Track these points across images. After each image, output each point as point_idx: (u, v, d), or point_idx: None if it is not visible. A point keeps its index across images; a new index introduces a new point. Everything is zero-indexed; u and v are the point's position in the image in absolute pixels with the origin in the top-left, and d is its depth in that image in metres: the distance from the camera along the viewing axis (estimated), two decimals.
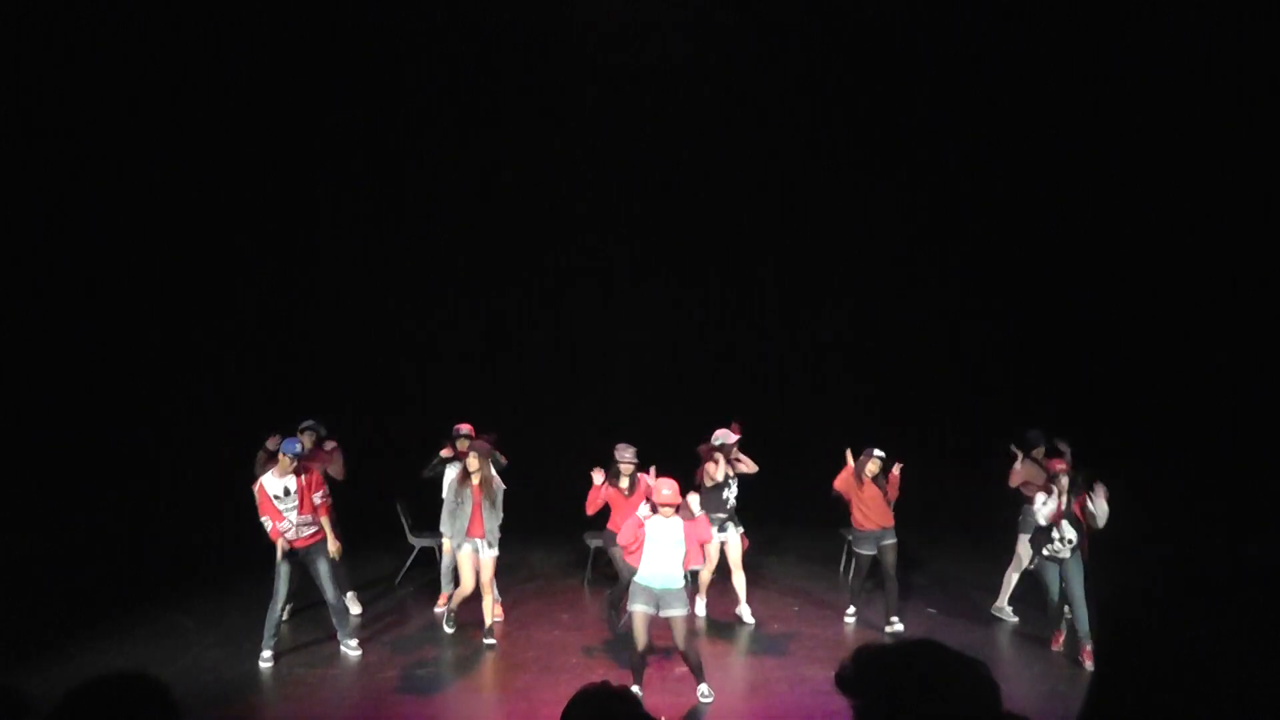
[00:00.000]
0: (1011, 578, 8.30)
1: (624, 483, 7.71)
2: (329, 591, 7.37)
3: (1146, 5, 9.74)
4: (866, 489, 7.98)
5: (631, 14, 10.63)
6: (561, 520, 9.48)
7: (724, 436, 8.10)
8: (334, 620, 7.50)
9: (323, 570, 7.33)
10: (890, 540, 7.98)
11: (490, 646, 7.56)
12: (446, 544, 7.88)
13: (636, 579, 6.34)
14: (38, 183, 9.34)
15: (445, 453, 8.28)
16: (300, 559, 7.32)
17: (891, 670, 1.46)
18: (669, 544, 6.28)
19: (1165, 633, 1.32)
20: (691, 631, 6.38)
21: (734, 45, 11.03)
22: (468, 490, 7.49)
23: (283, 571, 7.26)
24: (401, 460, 11.07)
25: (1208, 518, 9.42)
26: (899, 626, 7.93)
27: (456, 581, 7.97)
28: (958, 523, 10.70)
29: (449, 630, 7.85)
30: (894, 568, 7.98)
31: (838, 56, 11.12)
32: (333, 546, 7.41)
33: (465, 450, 7.84)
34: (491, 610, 7.72)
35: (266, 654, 7.24)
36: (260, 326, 11.37)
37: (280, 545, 7.21)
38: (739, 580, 8.16)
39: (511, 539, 8.99)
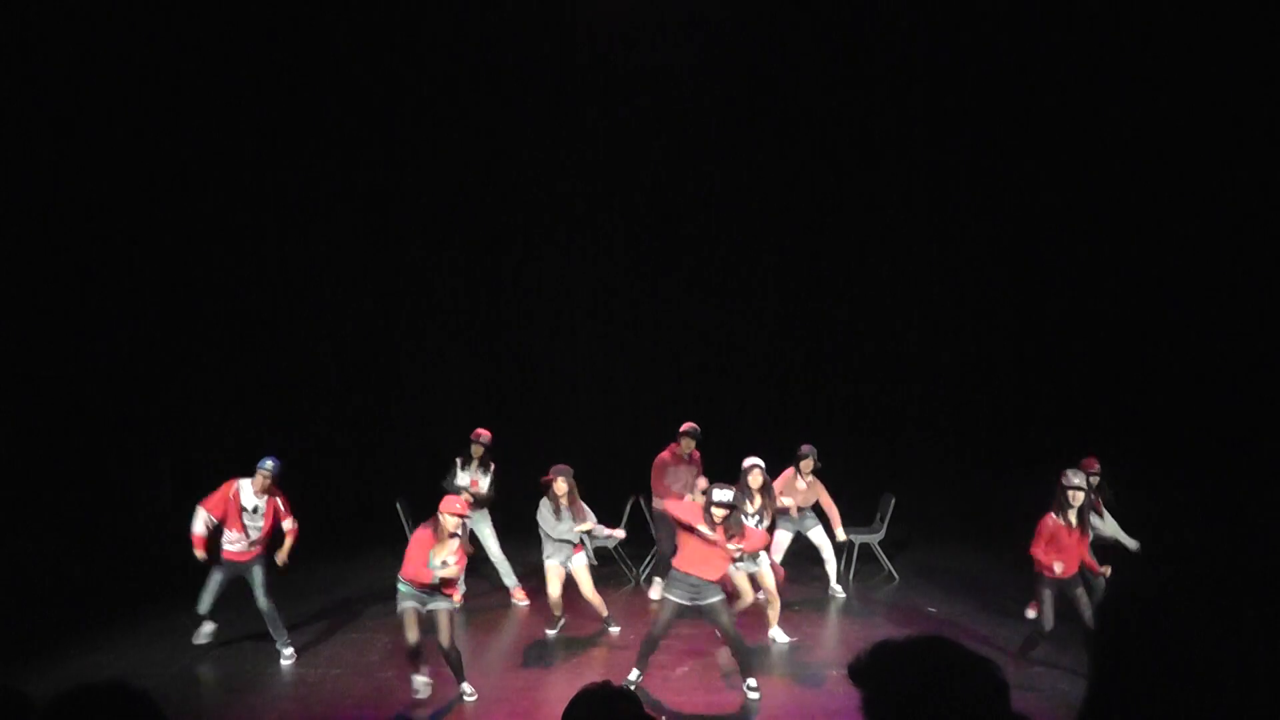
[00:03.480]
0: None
1: (1072, 516, 6.68)
2: (262, 600, 7.23)
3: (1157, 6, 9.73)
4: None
5: (632, 14, 10.63)
6: None
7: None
8: (269, 628, 7.31)
9: (259, 578, 7.23)
10: (712, 598, 6.27)
11: None
12: None
13: (400, 585, 6.45)
14: (35, 182, 9.34)
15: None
16: (236, 569, 7.26)
17: (902, 665, 1.48)
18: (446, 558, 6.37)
19: (1165, 633, 1.31)
20: (453, 628, 6.42)
21: (734, 45, 11.03)
22: None
23: (216, 578, 7.23)
24: (401, 460, 11.10)
25: (1208, 517, 9.40)
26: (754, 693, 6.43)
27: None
28: (958, 521, 10.70)
29: None
30: (728, 636, 6.36)
31: (839, 55, 11.11)
32: (281, 557, 7.40)
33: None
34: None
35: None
36: (258, 326, 11.36)
37: (198, 555, 7.13)
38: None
39: (513, 538, 8.99)
